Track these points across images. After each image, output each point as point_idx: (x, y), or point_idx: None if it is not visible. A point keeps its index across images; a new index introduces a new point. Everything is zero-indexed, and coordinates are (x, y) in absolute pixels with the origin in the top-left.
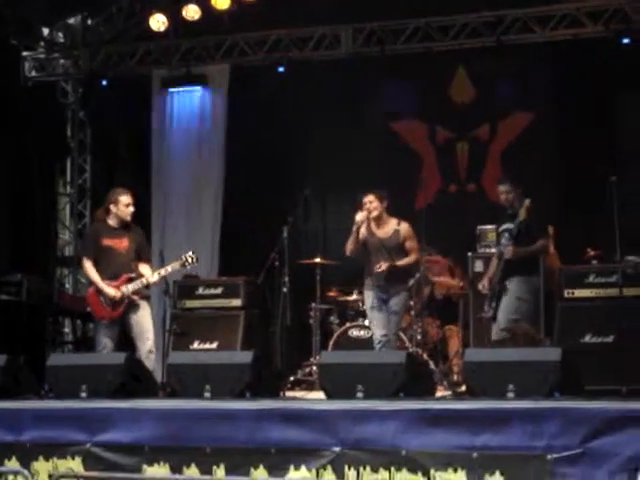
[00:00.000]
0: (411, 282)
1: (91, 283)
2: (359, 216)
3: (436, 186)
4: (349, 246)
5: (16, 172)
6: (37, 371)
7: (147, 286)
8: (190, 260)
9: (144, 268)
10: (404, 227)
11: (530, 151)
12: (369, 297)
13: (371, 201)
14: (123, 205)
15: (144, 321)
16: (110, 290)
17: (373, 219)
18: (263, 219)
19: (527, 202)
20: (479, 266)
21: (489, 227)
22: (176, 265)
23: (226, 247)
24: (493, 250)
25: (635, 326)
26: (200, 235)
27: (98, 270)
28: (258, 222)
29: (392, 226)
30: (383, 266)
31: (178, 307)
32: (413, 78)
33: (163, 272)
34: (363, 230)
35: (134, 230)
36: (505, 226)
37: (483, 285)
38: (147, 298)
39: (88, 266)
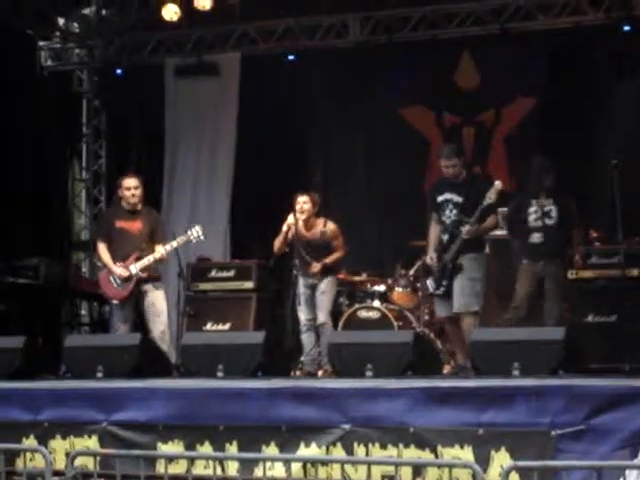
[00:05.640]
0: None
1: (104, 265)
2: (291, 218)
3: None
4: (277, 244)
5: (32, 158)
6: (54, 352)
7: (156, 262)
8: (196, 234)
9: (158, 249)
10: (330, 228)
11: (533, 135)
12: (300, 284)
13: (305, 202)
14: (125, 189)
15: (157, 303)
16: (117, 269)
17: (302, 220)
18: (273, 203)
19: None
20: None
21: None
22: (182, 240)
23: (238, 231)
24: (498, 232)
25: (637, 306)
26: (212, 219)
27: (111, 252)
28: (269, 206)
29: (319, 228)
30: (316, 267)
31: (191, 289)
32: (419, 65)
33: (169, 247)
34: (292, 230)
35: (148, 212)
36: (448, 196)
37: (431, 258)
38: (158, 279)
39: (101, 248)
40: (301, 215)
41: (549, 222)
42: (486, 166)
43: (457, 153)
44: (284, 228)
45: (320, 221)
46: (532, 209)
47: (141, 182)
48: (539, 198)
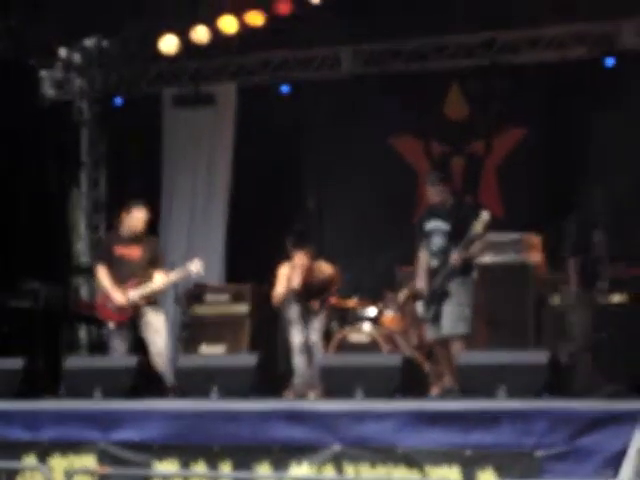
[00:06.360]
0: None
1: (104, 290)
2: (286, 270)
3: None
4: (276, 297)
5: (33, 186)
6: (54, 374)
7: (154, 293)
8: (195, 270)
9: (158, 277)
10: (326, 273)
11: (524, 165)
12: (294, 309)
13: (302, 258)
14: (134, 218)
15: (155, 324)
16: (116, 295)
17: (299, 274)
18: (269, 228)
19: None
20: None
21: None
22: (181, 273)
23: (233, 255)
24: (487, 260)
25: (618, 331)
26: (208, 244)
27: (111, 277)
28: (264, 231)
29: (315, 274)
30: (316, 306)
31: (187, 314)
32: (409, 96)
33: (167, 280)
34: (290, 282)
35: (148, 239)
36: (435, 224)
37: (420, 283)
38: (155, 303)
39: (100, 272)
40: (299, 270)
41: (602, 254)
42: (477, 196)
43: (443, 180)
44: (282, 281)
45: (315, 268)
46: (597, 239)
47: (148, 212)
48: (599, 229)
